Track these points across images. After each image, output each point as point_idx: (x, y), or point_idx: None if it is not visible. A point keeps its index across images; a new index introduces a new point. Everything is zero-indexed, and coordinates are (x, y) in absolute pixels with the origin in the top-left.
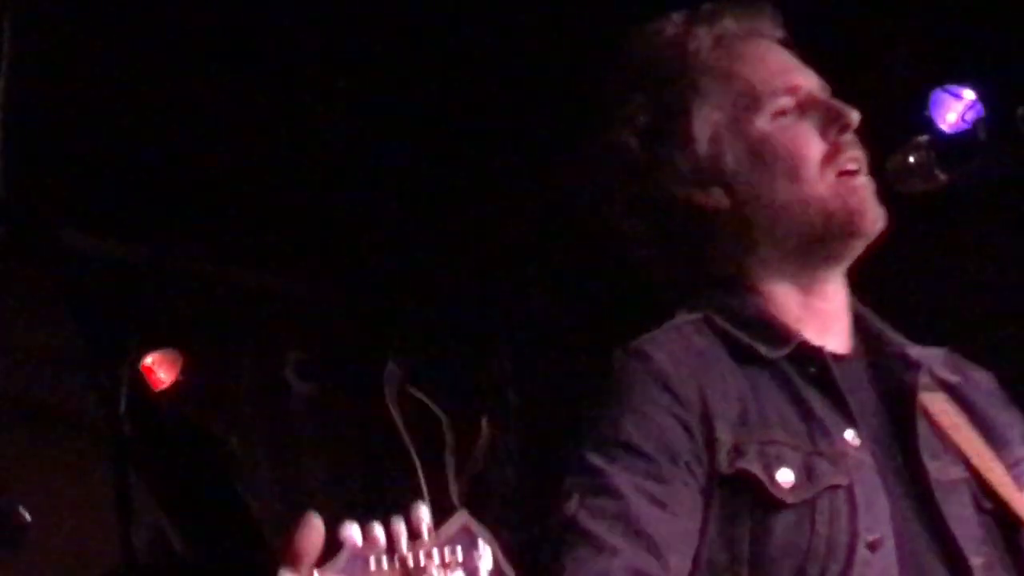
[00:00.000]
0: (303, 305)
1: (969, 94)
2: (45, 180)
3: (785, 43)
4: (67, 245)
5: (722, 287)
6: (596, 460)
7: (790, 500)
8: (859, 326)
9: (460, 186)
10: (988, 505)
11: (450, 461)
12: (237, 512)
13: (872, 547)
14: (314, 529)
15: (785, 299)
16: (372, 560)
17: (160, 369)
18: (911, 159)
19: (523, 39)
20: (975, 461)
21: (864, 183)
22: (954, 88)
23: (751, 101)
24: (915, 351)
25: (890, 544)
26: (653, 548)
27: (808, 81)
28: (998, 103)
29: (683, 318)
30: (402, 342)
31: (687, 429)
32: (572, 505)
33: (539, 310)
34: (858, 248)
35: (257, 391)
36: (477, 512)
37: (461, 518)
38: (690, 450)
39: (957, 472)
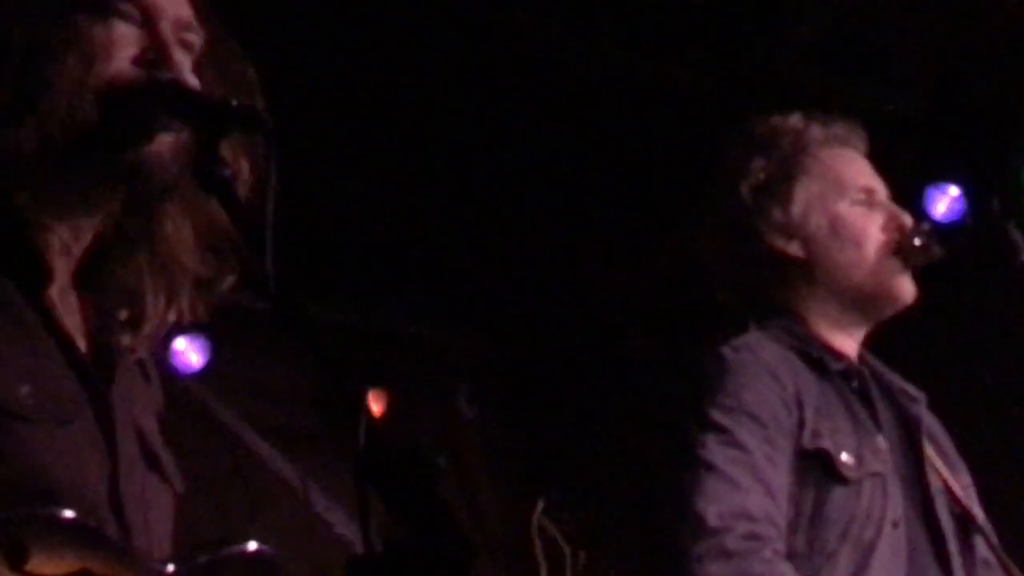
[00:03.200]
0: (471, 356)
1: (954, 191)
2: (293, 266)
3: (867, 156)
4: (309, 315)
5: (785, 316)
6: (724, 421)
7: (849, 475)
8: (862, 361)
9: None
10: (957, 511)
11: None
12: (445, 514)
13: (894, 525)
14: None
15: (831, 334)
16: None
17: (373, 405)
18: (916, 240)
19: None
20: (945, 476)
21: (905, 269)
22: (942, 185)
23: (840, 187)
24: (910, 387)
25: (903, 527)
26: (771, 493)
27: (880, 188)
28: (980, 196)
29: (759, 332)
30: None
31: (787, 408)
32: (708, 452)
33: None
34: (890, 311)
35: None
36: None
37: None
38: (788, 425)
39: (939, 483)
